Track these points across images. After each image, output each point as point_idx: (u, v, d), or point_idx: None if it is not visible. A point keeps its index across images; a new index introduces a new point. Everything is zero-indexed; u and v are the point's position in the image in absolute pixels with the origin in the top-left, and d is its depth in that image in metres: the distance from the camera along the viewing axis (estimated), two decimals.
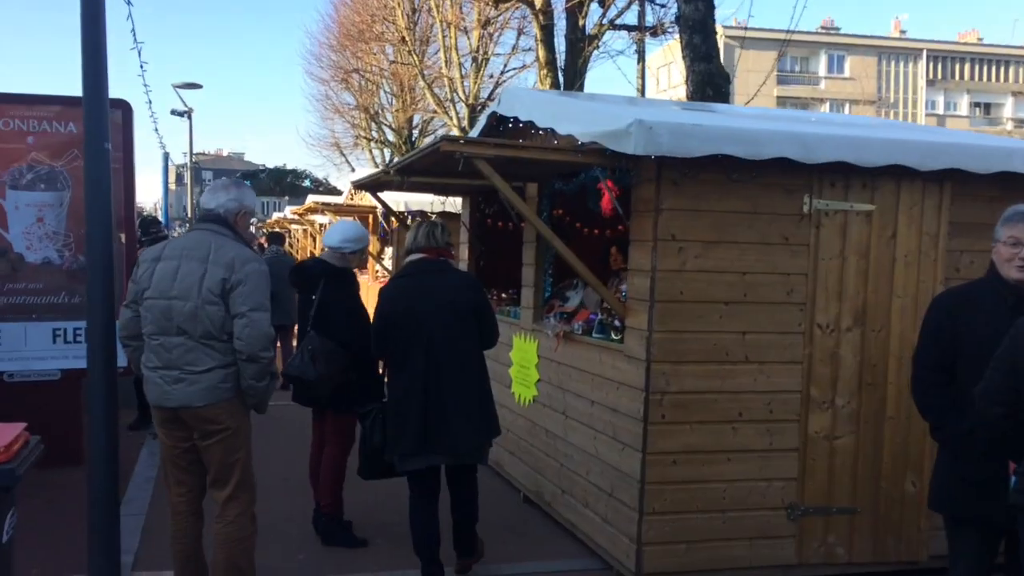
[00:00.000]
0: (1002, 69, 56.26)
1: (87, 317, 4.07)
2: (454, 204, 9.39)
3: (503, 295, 7.13)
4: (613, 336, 4.93)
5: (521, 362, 6.20)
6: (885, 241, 4.72)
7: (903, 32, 57.45)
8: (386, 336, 4.51)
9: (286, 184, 32.36)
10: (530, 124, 5.51)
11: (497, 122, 6.19)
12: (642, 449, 4.46)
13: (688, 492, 4.51)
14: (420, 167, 5.54)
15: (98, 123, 3.93)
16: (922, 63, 54.85)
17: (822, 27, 54.84)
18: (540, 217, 5.89)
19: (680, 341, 4.47)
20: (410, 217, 9.89)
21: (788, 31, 10.62)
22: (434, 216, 8.03)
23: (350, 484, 5.32)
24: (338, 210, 11.52)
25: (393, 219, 9.98)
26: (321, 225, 18.33)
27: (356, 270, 5.39)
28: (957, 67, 55.91)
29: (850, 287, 4.69)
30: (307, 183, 33.18)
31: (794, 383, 4.65)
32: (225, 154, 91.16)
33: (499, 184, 4.58)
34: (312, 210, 12.99)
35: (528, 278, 6.10)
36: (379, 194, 7.91)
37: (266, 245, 10.79)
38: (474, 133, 6.98)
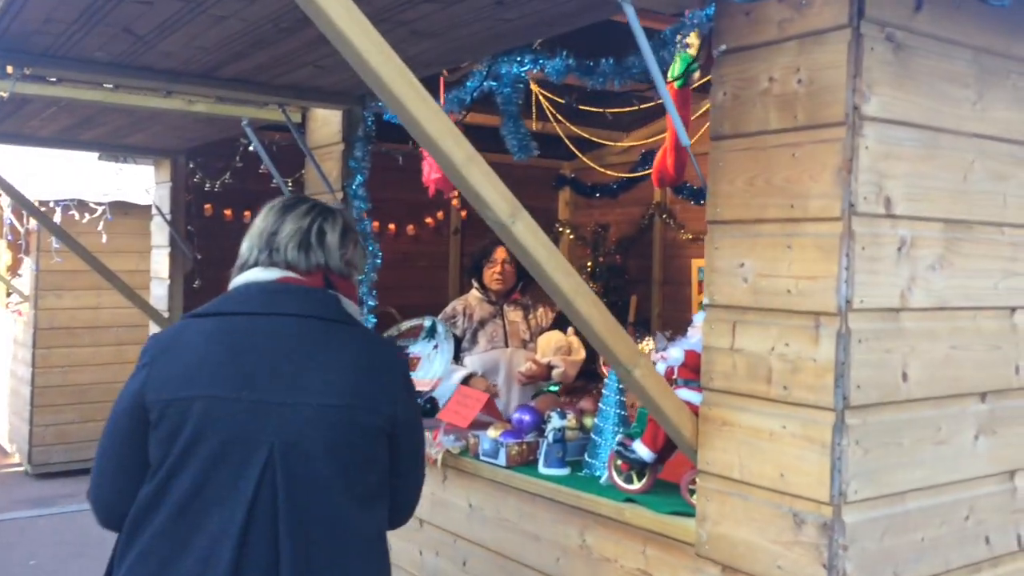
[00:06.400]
0: None
1: None
2: (148, 193, 5.28)
3: None
4: (626, 482, 1.84)
5: None
6: None
7: None
8: (132, 464, 1.40)
9: None
10: None
11: None
12: None
13: None
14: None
15: None
16: None
17: None
18: (354, 181, 2.64)
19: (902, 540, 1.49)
20: (60, 209, 5.81)
21: None
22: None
23: None
24: None
25: (26, 214, 5.62)
26: None
27: None
28: None
29: None
30: None
31: None
32: None
33: None
34: None
35: None
36: None
37: None
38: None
